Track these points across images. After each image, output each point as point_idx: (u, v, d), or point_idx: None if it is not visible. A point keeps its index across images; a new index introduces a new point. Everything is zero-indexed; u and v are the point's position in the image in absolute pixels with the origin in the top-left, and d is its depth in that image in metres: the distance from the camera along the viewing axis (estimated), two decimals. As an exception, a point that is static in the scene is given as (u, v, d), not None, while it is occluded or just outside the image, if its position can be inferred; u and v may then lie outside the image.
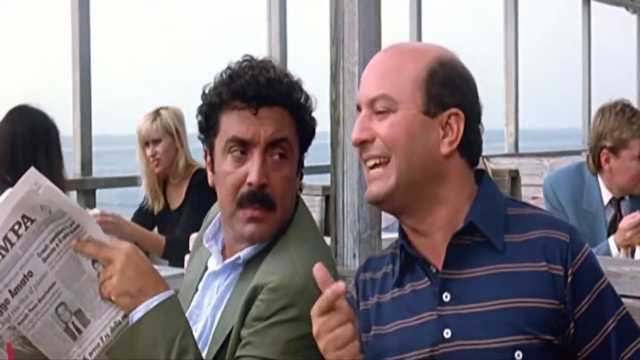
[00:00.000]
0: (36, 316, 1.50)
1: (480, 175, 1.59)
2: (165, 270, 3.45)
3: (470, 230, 1.50)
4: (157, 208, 4.04)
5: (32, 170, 1.47)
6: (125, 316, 1.57)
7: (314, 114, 1.82)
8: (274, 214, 1.73)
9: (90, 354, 1.54)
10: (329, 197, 2.62)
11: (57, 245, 1.50)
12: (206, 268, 1.86)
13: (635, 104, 3.42)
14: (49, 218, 1.48)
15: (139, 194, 4.10)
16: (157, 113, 3.96)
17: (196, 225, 2.12)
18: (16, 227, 1.45)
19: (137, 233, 3.75)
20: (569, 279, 1.46)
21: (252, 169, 1.70)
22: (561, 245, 1.48)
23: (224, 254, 1.82)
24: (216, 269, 1.80)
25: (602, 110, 3.33)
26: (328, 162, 2.18)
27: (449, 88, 1.51)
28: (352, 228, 2.13)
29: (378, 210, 2.15)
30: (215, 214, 1.92)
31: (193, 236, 3.14)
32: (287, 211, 1.77)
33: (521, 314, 1.45)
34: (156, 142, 3.94)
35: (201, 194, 3.90)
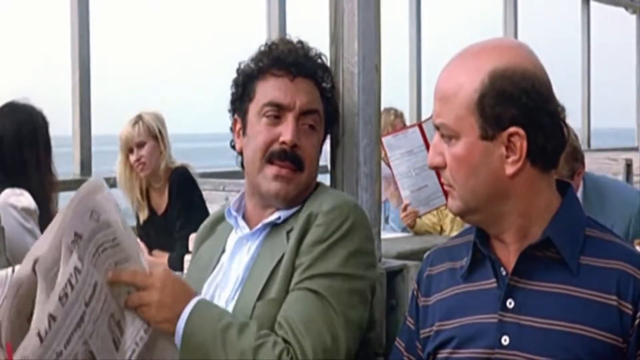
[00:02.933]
0: (98, 327, 1.47)
1: (565, 188, 1.55)
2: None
3: (545, 244, 1.48)
4: (143, 217, 4.07)
5: (98, 177, 1.50)
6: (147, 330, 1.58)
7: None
8: (301, 175, 1.81)
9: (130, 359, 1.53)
10: (328, 197, 2.61)
11: (99, 256, 1.49)
12: (224, 250, 1.88)
13: (634, 104, 3.39)
14: (95, 229, 1.47)
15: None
16: (139, 117, 4.00)
17: (192, 225, 2.14)
18: (72, 245, 1.43)
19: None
20: (637, 321, 1.43)
21: (285, 130, 1.78)
22: (636, 283, 1.44)
23: (249, 224, 1.87)
24: (247, 233, 1.84)
25: None
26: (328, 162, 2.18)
27: (503, 104, 1.45)
28: (351, 228, 2.12)
29: (377, 211, 2.15)
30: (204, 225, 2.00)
31: (192, 236, 3.13)
32: (312, 177, 1.86)
33: (581, 342, 1.43)
34: (140, 145, 3.97)
35: (183, 193, 3.95)
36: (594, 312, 1.44)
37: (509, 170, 1.47)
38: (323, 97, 1.87)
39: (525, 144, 1.45)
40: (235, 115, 1.89)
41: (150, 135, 3.97)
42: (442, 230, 4.55)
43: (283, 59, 1.82)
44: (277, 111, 1.80)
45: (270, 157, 1.79)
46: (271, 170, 1.79)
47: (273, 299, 1.70)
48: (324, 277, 1.69)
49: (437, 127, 1.51)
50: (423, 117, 6.27)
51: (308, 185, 1.84)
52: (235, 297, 1.77)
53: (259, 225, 1.83)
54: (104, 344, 1.48)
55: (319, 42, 2.06)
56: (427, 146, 4.12)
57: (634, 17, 10.85)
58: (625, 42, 11.29)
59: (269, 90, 1.81)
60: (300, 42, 1.88)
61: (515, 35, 8.42)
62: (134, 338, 1.55)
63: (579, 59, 9.96)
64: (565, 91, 1.54)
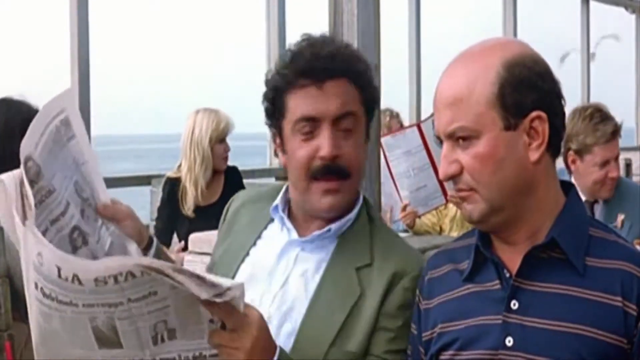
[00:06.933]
0: (137, 320, 1.42)
1: (568, 188, 1.55)
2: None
3: (551, 245, 1.47)
4: (190, 208, 4.16)
5: None
6: (214, 356, 1.48)
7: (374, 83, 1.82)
8: (349, 182, 1.74)
9: None
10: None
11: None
12: (259, 236, 1.83)
13: (634, 104, 3.42)
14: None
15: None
16: (217, 110, 4.19)
17: None
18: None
19: None
20: None
21: (322, 143, 1.71)
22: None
23: (297, 229, 1.80)
24: (296, 238, 1.78)
25: (574, 112, 3.32)
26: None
27: (523, 91, 1.45)
28: (351, 228, 2.12)
29: (376, 210, 2.15)
30: (236, 206, 1.93)
31: (193, 237, 3.14)
32: (361, 178, 1.79)
33: (585, 343, 1.42)
34: (226, 137, 4.20)
35: (239, 187, 4.08)
36: (599, 313, 1.43)
37: (534, 156, 1.46)
38: (358, 88, 1.75)
39: (547, 127, 1.46)
40: (273, 130, 1.81)
41: None
42: (441, 230, 4.55)
43: (307, 67, 1.71)
44: (311, 125, 1.71)
45: (314, 175, 1.72)
46: (318, 186, 1.72)
47: (354, 354, 1.65)
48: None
49: (450, 135, 1.48)
50: (422, 117, 6.27)
51: (357, 190, 1.79)
52: (294, 316, 1.70)
53: (316, 233, 1.77)
54: (136, 332, 1.43)
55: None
56: (426, 146, 4.12)
57: (633, 16, 10.86)
58: (625, 42, 11.30)
59: (298, 104, 1.72)
60: (323, 39, 1.78)
61: (515, 35, 8.42)
62: (179, 350, 1.46)
63: (578, 58, 9.97)
64: (564, 91, 1.54)
